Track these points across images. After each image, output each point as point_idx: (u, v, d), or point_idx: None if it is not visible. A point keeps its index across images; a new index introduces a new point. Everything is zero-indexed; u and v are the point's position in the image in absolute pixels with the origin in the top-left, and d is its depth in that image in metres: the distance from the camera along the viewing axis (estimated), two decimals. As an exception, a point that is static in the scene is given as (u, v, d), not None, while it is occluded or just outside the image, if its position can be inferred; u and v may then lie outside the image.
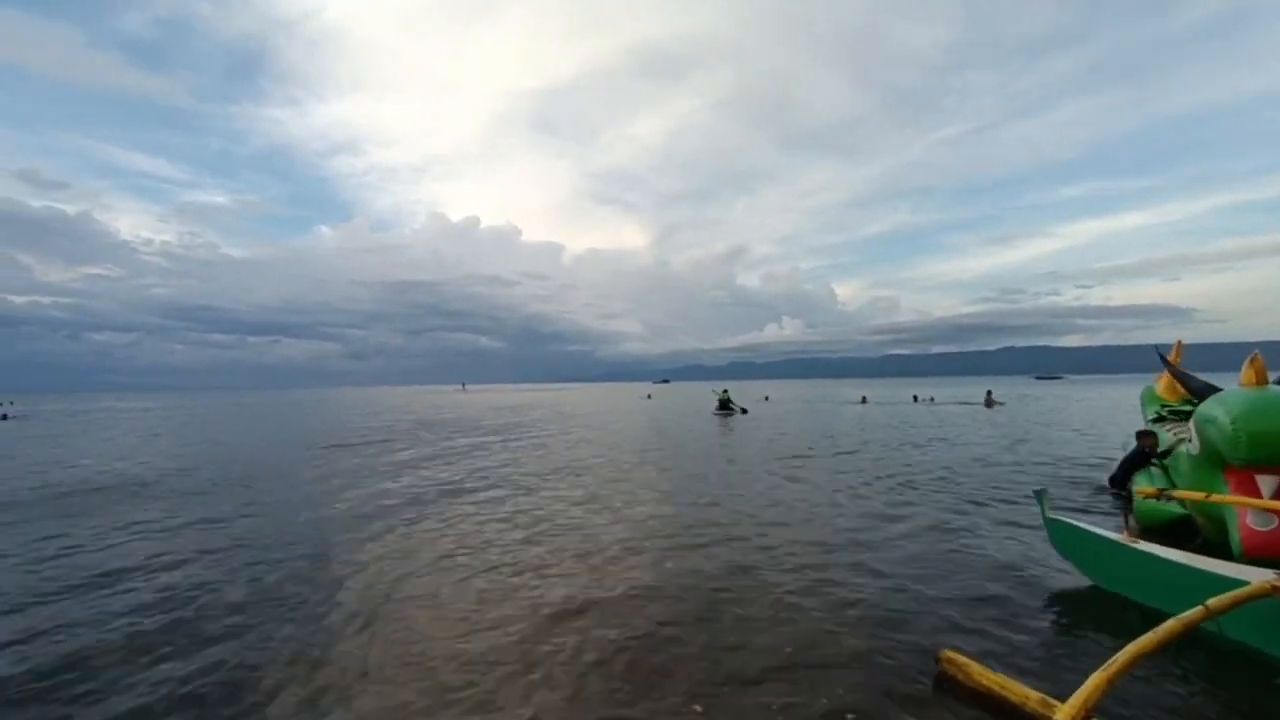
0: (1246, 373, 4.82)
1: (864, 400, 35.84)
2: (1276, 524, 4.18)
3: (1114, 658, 2.54)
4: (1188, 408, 7.05)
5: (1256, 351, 4.83)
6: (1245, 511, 4.27)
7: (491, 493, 8.48)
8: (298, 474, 10.53)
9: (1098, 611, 3.96)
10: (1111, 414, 22.78)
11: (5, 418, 31.89)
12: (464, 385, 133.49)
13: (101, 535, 6.42)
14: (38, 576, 5.09)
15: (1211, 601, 2.90)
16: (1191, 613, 2.84)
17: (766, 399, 40.00)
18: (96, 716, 2.94)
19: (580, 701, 2.97)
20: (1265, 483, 4.29)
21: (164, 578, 4.98)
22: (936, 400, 35.80)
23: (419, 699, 3.01)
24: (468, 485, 9.11)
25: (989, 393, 31.37)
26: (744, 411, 27.48)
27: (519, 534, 6.15)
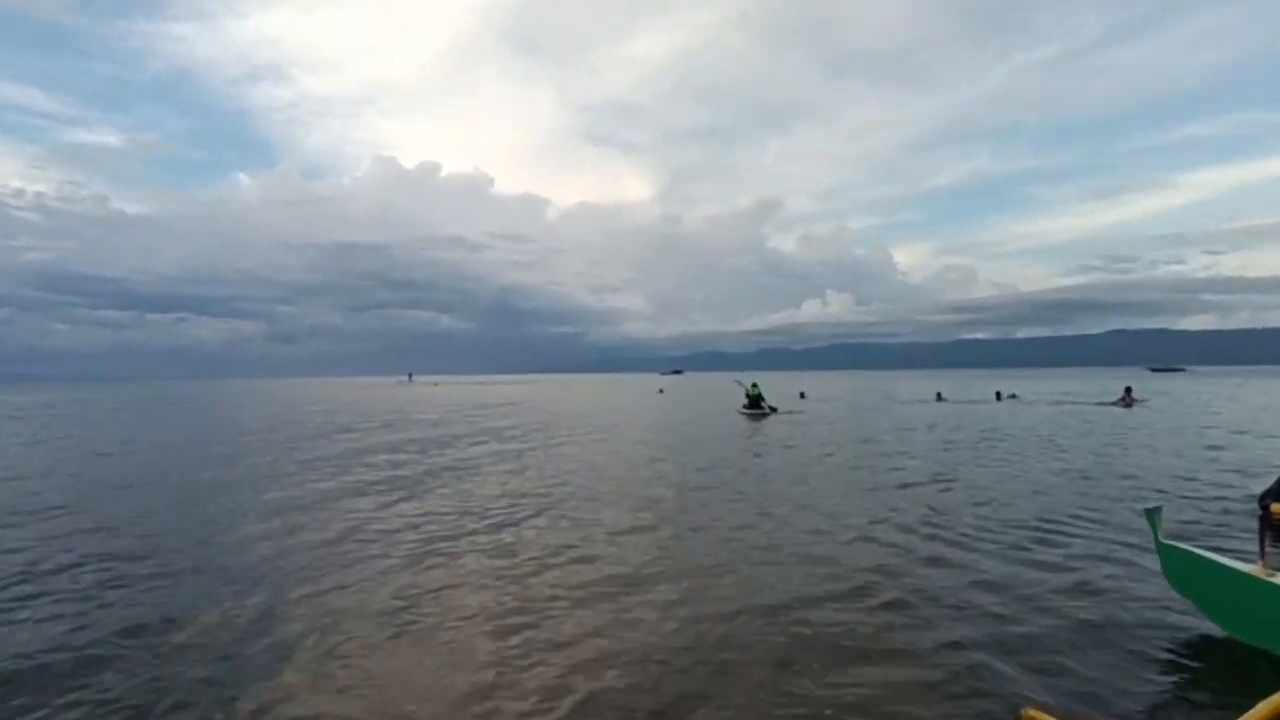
0: None
1: (940, 397, 35.74)
2: None
3: (1244, 717, 2.55)
4: None
5: None
6: None
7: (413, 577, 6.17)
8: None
9: (1221, 662, 3.92)
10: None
11: None
12: (411, 376, 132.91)
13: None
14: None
15: None
16: None
17: (802, 395, 40.06)
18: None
19: None
20: None
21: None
22: (1020, 397, 35.94)
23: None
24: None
25: (1128, 390, 30.49)
26: (773, 410, 27.70)
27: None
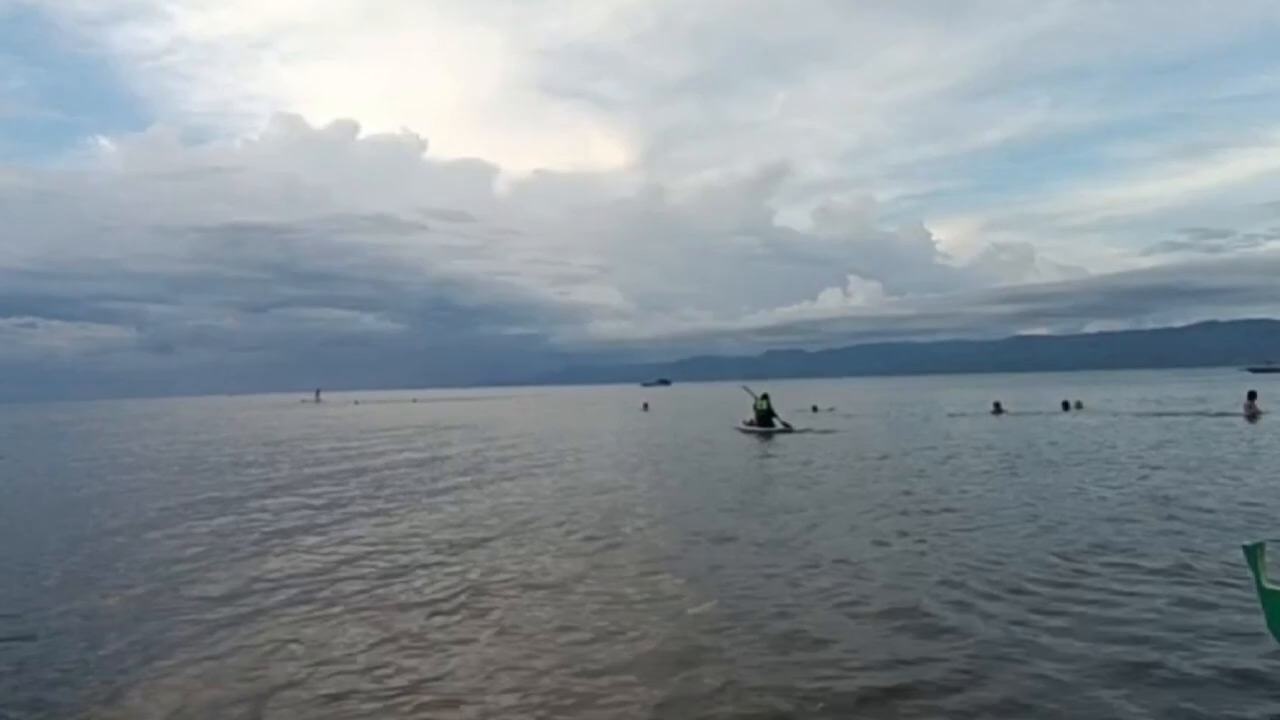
0: None
1: (998, 409, 35.97)
2: None
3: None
4: None
5: None
6: None
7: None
8: None
9: None
10: None
11: None
12: (319, 394, 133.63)
13: None
14: None
15: None
16: None
17: (815, 410, 40.28)
18: None
19: None
20: None
21: None
22: (1085, 406, 36.46)
23: None
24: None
25: (1252, 396, 28.99)
26: (788, 428, 27.85)
27: None
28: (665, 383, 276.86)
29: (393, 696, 5.46)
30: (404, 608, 7.60)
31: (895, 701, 5.16)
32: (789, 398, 43.70)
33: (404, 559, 9.74)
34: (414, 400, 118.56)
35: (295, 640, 6.70)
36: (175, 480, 19.49)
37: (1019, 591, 7.43)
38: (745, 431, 29.44)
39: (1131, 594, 7.12)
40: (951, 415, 36.23)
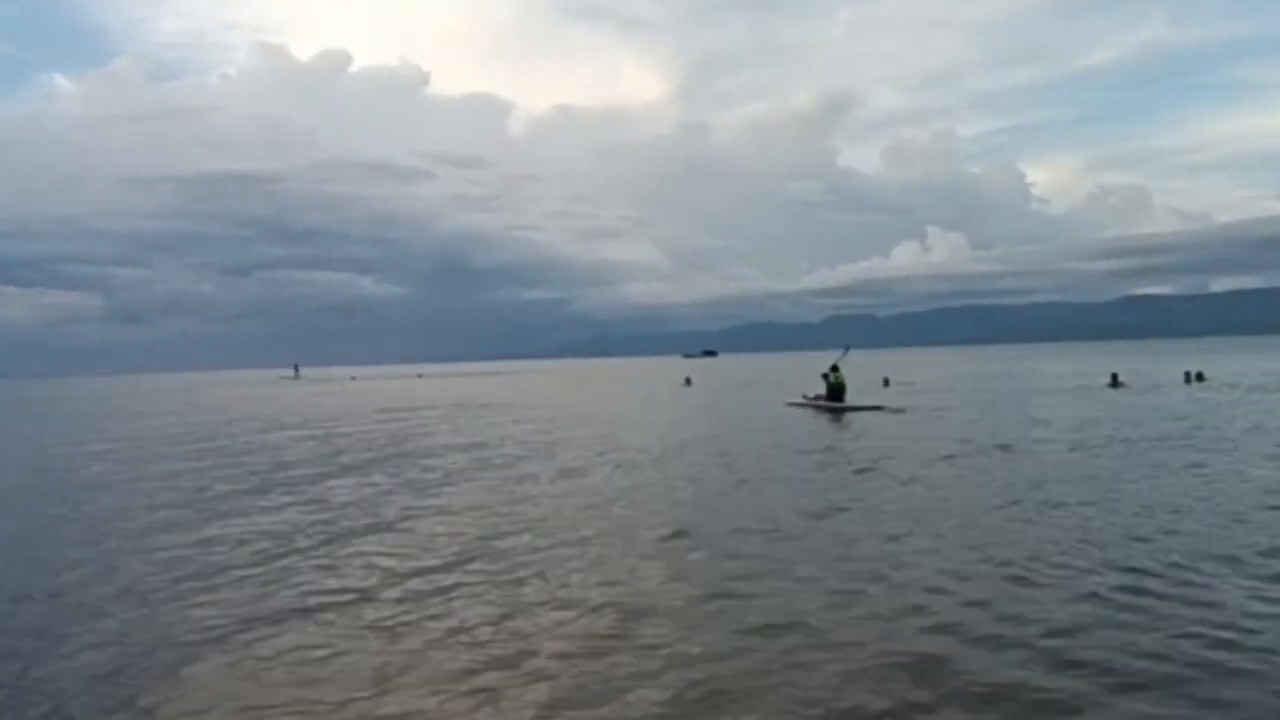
0: None
1: (1116, 382, 35.45)
2: None
3: None
4: None
5: None
6: None
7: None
8: None
9: None
10: None
11: None
12: (297, 370, 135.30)
13: None
14: None
15: None
16: None
17: (886, 383, 40.08)
18: None
19: None
20: None
21: None
22: (1208, 378, 35.59)
23: None
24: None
25: None
26: (878, 408, 27.17)
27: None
28: (711, 354, 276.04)
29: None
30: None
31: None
32: (857, 372, 41.88)
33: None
34: (419, 376, 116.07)
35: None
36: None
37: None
38: (805, 405, 29.22)
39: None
40: (1053, 392, 35.74)
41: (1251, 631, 6.43)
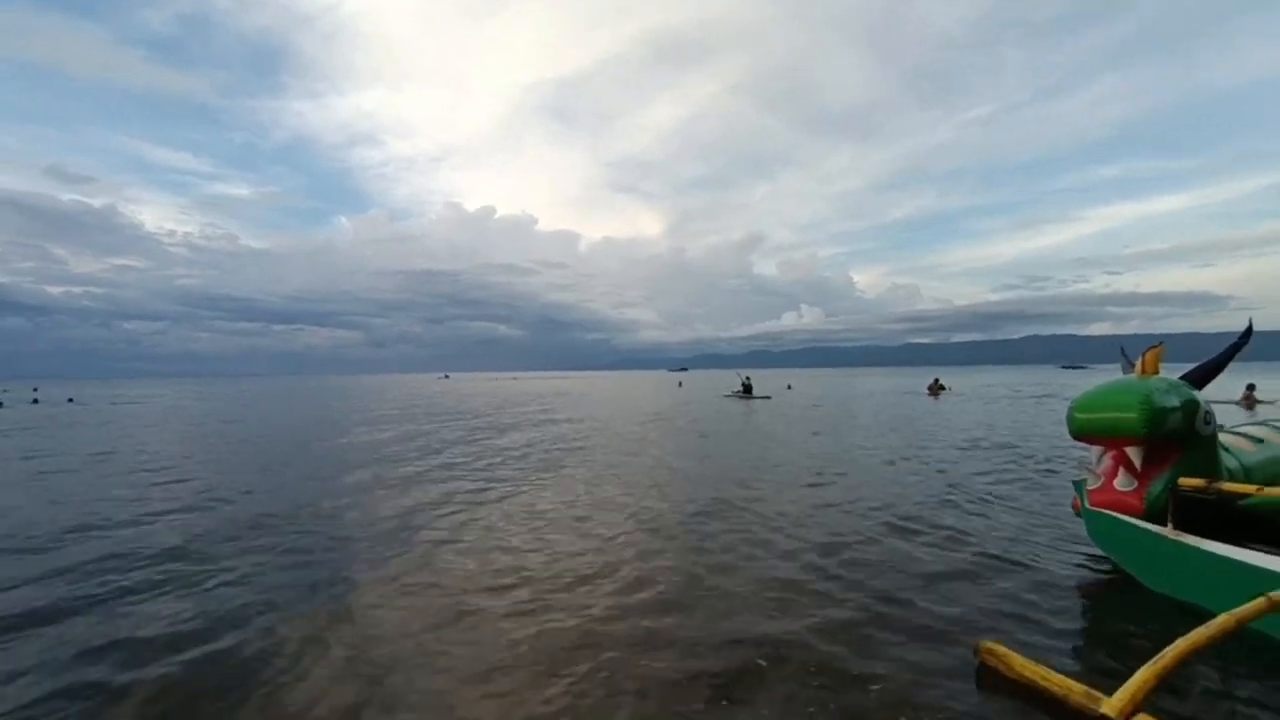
0: (1140, 363, 4.82)
1: (937, 386, 32.50)
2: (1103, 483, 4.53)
3: (1163, 652, 2.49)
4: None
5: (1160, 343, 4.77)
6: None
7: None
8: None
9: (1142, 608, 3.79)
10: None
11: (36, 401, 33.29)
12: (447, 376, 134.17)
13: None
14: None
15: (1275, 594, 2.76)
16: (1251, 606, 2.68)
17: (789, 388, 39.62)
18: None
19: None
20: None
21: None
22: (949, 388, 34.17)
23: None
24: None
25: (1250, 387, 19.47)
26: (766, 398, 27.62)
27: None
28: (684, 369, 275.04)
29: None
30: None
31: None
32: (765, 382, 44.08)
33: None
34: (514, 379, 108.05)
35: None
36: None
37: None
38: (728, 397, 29.15)
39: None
40: (868, 395, 35.00)
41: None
